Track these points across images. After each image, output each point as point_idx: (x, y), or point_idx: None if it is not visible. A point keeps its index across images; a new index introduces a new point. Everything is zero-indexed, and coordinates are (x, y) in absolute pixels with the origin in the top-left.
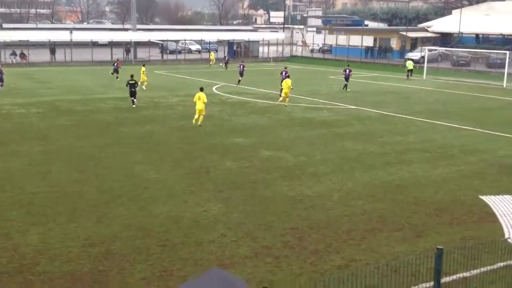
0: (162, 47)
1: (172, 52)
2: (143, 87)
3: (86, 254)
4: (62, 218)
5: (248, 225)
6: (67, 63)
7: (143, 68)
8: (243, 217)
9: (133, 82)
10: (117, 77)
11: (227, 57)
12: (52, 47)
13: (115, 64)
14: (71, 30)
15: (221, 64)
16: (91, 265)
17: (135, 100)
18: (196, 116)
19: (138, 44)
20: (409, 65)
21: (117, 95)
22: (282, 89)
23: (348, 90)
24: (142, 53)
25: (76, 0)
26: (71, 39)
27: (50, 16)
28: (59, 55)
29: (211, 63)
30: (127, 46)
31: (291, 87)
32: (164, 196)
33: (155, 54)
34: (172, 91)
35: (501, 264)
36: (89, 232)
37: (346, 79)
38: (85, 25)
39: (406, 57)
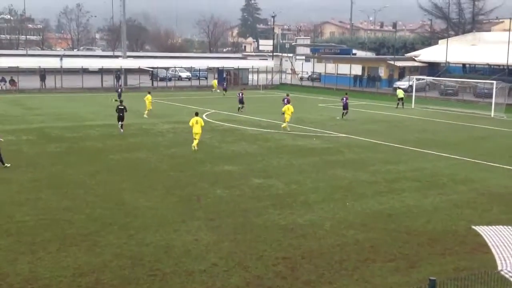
0: (152, 74)
1: (162, 79)
2: (145, 115)
3: (76, 284)
4: (52, 246)
5: (239, 255)
6: (57, 90)
7: (149, 96)
8: (234, 246)
9: (122, 107)
10: (121, 101)
11: (225, 84)
12: (42, 73)
13: (119, 90)
14: (61, 57)
15: (218, 91)
16: None
17: (122, 124)
18: (194, 143)
19: (129, 71)
20: (400, 93)
21: (107, 122)
22: (283, 114)
23: (345, 118)
24: (132, 80)
25: (66, 27)
26: (61, 66)
27: (40, 43)
28: (49, 81)
29: (213, 89)
30: (117, 73)
31: (292, 112)
32: (154, 224)
33: (145, 81)
34: (162, 118)
35: None
36: (79, 261)
37: (345, 107)
38: (75, 52)
39: (395, 85)
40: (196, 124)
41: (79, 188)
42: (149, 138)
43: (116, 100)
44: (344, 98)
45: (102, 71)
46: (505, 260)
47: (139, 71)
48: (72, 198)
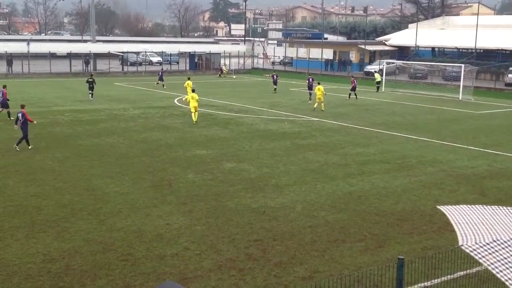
0: (122, 59)
1: (132, 64)
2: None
3: (46, 270)
4: (21, 233)
5: (211, 238)
6: (25, 75)
7: (190, 82)
8: (206, 230)
9: (92, 80)
10: (163, 85)
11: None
12: (9, 58)
13: (160, 73)
14: (28, 41)
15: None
16: (51, 281)
17: (92, 93)
18: (193, 115)
19: (98, 55)
20: (378, 77)
21: (76, 107)
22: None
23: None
24: (102, 65)
25: (33, 11)
26: (28, 51)
27: (6, 27)
28: (16, 66)
29: (223, 73)
30: (86, 58)
31: (324, 93)
32: (126, 209)
33: (115, 66)
34: (133, 103)
35: (461, 273)
36: (49, 247)
37: (310, 88)
38: (43, 36)
39: (366, 69)
40: (192, 100)
41: (47, 174)
42: (119, 123)
43: (157, 83)
44: (310, 79)
45: (70, 56)
46: (466, 236)
47: (109, 55)
48: (41, 184)
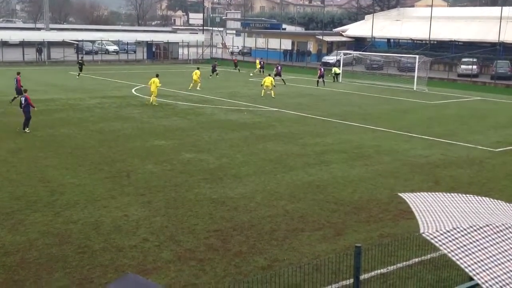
0: (77, 47)
1: (88, 53)
2: (198, 88)
3: (0, 264)
4: None
5: (170, 229)
6: None
7: (198, 72)
8: (166, 221)
9: (81, 61)
10: (216, 74)
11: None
12: None
13: (214, 66)
14: None
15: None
16: (6, 275)
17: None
18: (151, 97)
19: (52, 44)
20: (336, 70)
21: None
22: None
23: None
24: (56, 54)
25: None
26: None
27: None
28: None
29: (254, 71)
30: (39, 46)
31: (274, 84)
32: (82, 201)
33: (70, 54)
34: (89, 93)
35: (416, 260)
36: (2, 240)
37: (213, 69)
38: None
39: (324, 60)
40: (153, 84)
41: (0, 166)
42: (75, 113)
43: (211, 75)
44: (279, 67)
45: (23, 44)
46: (427, 223)
47: (63, 44)
48: None
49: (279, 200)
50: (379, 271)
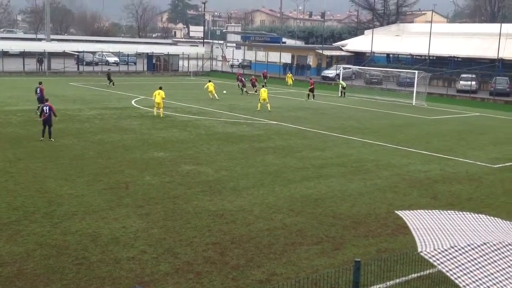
0: (78, 58)
1: (88, 64)
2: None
3: None
4: None
5: (168, 241)
6: None
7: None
8: (164, 233)
9: (109, 73)
10: (255, 91)
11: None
12: None
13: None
14: None
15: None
16: (3, 285)
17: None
18: (155, 110)
19: (52, 55)
20: (342, 83)
21: (29, 107)
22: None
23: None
24: (56, 64)
25: None
26: None
27: None
28: None
29: (289, 85)
30: (39, 57)
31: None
32: (80, 212)
33: (70, 65)
34: (88, 103)
35: (414, 275)
36: (0, 251)
37: (253, 85)
38: None
39: (323, 74)
40: (158, 95)
41: None
42: (74, 124)
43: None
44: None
45: (24, 55)
46: (424, 242)
47: (64, 55)
48: None
49: (278, 214)
50: (377, 286)
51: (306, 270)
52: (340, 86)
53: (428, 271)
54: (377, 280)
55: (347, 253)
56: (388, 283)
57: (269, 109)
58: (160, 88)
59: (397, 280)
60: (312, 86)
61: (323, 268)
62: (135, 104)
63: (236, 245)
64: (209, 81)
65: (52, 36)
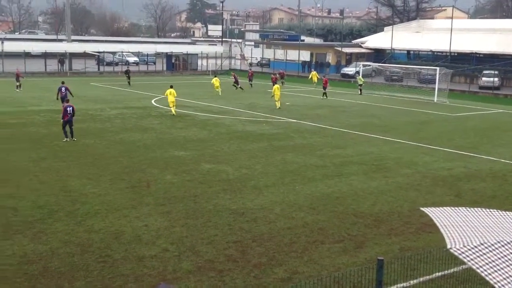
0: (98, 58)
1: (109, 64)
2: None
3: (23, 272)
4: None
5: (190, 239)
6: None
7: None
8: (185, 231)
9: (128, 70)
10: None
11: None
12: None
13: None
14: (2, 40)
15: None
16: (28, 283)
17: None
18: (173, 110)
19: (73, 55)
20: (360, 80)
21: (52, 107)
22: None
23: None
24: (77, 65)
25: (7, 9)
26: (2, 50)
27: None
28: None
29: (314, 83)
30: (60, 58)
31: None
32: (103, 211)
33: (91, 65)
34: (109, 103)
35: (438, 274)
36: (25, 249)
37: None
38: (17, 35)
39: (343, 71)
40: (170, 95)
41: (23, 175)
42: (96, 124)
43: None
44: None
45: (45, 55)
46: (453, 239)
47: (85, 55)
48: (16, 185)
49: (298, 212)
50: (401, 284)
51: (328, 268)
52: (358, 81)
53: (452, 270)
54: (400, 279)
55: (369, 252)
56: (411, 282)
57: (278, 106)
58: (171, 87)
59: (421, 279)
60: (326, 85)
61: (345, 267)
62: (155, 104)
63: (257, 244)
64: (215, 76)
65: (73, 37)
